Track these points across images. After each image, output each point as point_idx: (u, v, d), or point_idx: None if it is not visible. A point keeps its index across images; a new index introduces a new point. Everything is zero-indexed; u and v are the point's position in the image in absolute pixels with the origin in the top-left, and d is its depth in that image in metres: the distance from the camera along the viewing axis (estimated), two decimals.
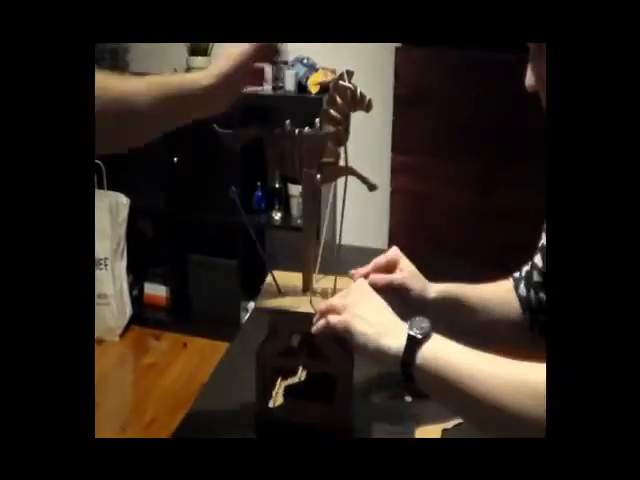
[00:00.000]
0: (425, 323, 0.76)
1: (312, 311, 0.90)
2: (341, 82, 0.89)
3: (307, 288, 0.97)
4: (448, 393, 0.72)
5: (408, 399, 1.02)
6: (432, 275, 0.96)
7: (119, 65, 3.06)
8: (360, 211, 3.02)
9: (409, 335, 0.74)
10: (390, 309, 0.82)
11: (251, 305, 2.94)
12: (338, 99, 0.89)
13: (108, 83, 0.82)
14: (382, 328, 0.78)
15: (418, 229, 2.46)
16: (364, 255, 0.97)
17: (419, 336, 0.74)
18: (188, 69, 2.81)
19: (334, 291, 0.95)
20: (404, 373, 0.74)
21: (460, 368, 0.71)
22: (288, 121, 0.91)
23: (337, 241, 0.97)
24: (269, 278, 1.00)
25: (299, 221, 2.81)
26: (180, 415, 0.98)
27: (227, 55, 0.89)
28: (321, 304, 0.87)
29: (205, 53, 2.78)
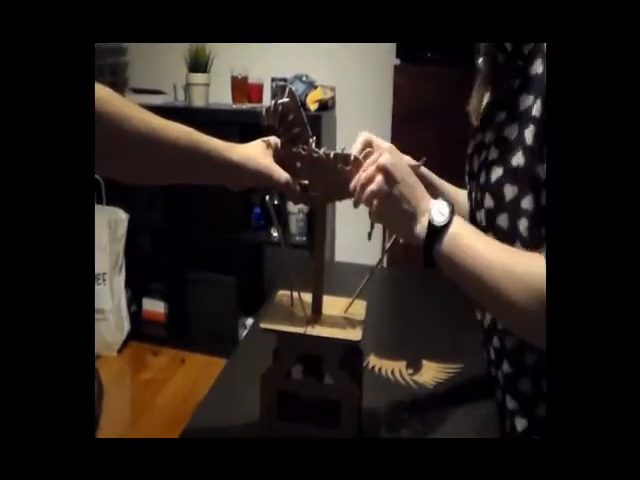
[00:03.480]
0: (445, 208, 0.82)
1: (320, 334, 0.89)
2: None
3: (317, 309, 0.96)
4: (457, 274, 0.82)
5: (405, 415, 1.02)
6: (429, 293, 0.96)
7: (119, 81, 3.08)
8: (356, 228, 3.02)
9: (429, 225, 0.81)
10: (420, 185, 0.85)
11: (249, 321, 2.93)
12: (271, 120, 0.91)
13: (135, 113, 0.79)
14: (411, 212, 0.83)
15: (416, 247, 2.46)
16: (360, 272, 0.97)
17: (439, 225, 0.81)
18: (188, 85, 2.82)
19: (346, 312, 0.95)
20: (425, 260, 0.83)
21: (470, 255, 0.80)
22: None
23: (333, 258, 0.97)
24: (277, 297, 0.99)
25: (298, 238, 2.81)
26: (178, 431, 0.98)
27: (263, 152, 0.91)
28: (362, 175, 0.85)
29: (205, 69, 2.79)
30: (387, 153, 0.84)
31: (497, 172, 0.86)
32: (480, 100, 0.98)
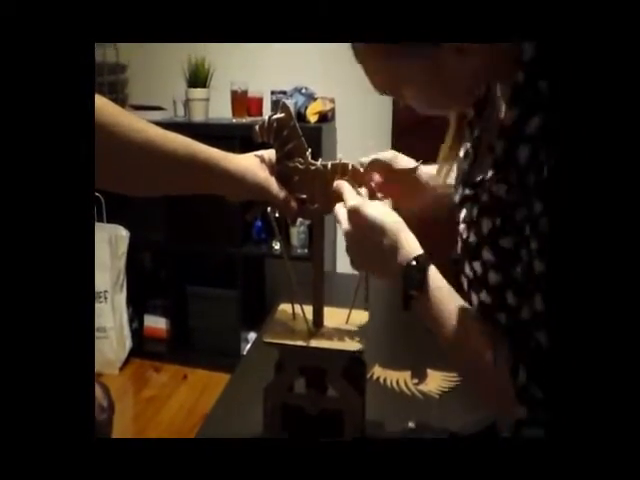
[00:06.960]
0: (418, 275, 0.82)
1: (321, 346, 0.89)
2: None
3: (318, 322, 0.96)
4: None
5: (411, 425, 1.01)
6: None
7: (118, 98, 3.08)
8: None
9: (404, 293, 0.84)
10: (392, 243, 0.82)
11: (251, 336, 2.92)
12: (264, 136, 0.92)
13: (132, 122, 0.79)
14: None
15: None
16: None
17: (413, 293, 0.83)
18: (187, 101, 2.83)
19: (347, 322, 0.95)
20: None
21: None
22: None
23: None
24: (278, 310, 0.99)
25: (299, 250, 2.80)
26: None
27: (258, 166, 0.90)
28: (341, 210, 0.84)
29: (204, 84, 2.79)
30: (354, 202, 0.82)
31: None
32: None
